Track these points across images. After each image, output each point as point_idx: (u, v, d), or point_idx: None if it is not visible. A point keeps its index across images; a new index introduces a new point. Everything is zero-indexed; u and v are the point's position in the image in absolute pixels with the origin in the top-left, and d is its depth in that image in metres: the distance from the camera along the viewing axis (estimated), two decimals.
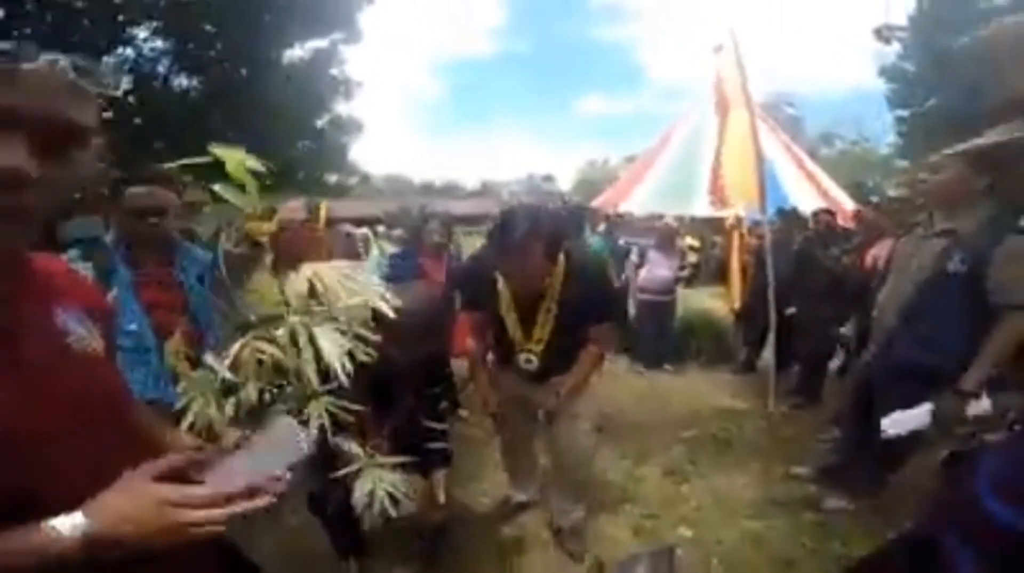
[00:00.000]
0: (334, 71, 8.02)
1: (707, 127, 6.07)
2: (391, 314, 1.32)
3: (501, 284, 2.15)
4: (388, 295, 1.35)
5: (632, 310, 5.88)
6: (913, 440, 2.13)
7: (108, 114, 0.77)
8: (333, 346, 1.23)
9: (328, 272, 1.31)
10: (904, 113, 10.57)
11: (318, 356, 1.22)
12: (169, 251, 2.10)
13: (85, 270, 1.81)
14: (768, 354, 4.73)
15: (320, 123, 8.11)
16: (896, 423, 2.13)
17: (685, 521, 2.67)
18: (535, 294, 2.10)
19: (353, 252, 4.83)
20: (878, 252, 3.68)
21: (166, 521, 0.71)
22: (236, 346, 1.26)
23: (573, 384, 2.20)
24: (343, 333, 1.27)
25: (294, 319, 1.25)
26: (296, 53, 7.72)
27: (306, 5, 6.86)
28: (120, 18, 6.43)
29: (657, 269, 5.61)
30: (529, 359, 2.22)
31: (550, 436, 2.42)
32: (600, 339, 2.23)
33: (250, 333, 1.27)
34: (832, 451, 2.98)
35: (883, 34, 9.82)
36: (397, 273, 3.69)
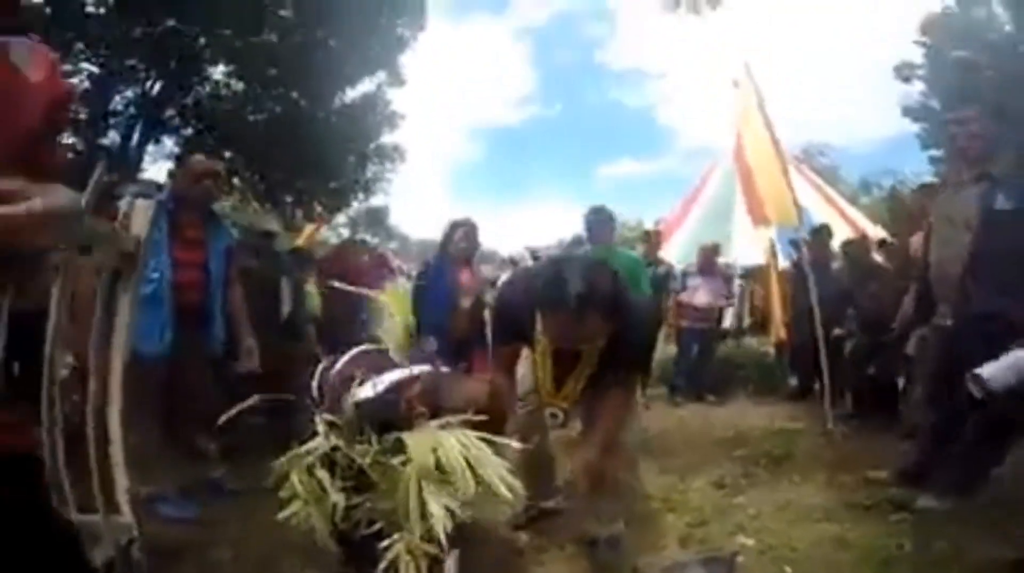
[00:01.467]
0: (380, 107, 8.53)
1: (735, 173, 5.79)
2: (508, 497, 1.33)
3: (540, 329, 1.77)
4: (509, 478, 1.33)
5: (668, 337, 5.45)
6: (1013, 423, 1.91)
7: None
8: (439, 509, 1.26)
9: (454, 448, 1.35)
10: (937, 153, 10.16)
11: (423, 512, 1.26)
12: (207, 216, 2.41)
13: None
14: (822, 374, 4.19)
15: (367, 150, 8.56)
16: (999, 373, 1.69)
17: (743, 530, 2.14)
18: (575, 350, 1.76)
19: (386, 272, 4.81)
20: (917, 239, 3.31)
21: None
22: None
23: (603, 441, 1.82)
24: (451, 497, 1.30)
25: (410, 473, 1.32)
26: (348, 94, 8.28)
27: (355, 47, 7.35)
28: (204, 57, 7.09)
29: (699, 294, 5.16)
30: (555, 414, 1.92)
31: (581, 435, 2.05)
32: (627, 386, 1.94)
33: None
34: (914, 452, 2.46)
35: (903, 73, 9.60)
36: (428, 284, 3.47)
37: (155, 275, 2.10)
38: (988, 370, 1.68)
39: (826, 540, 1.98)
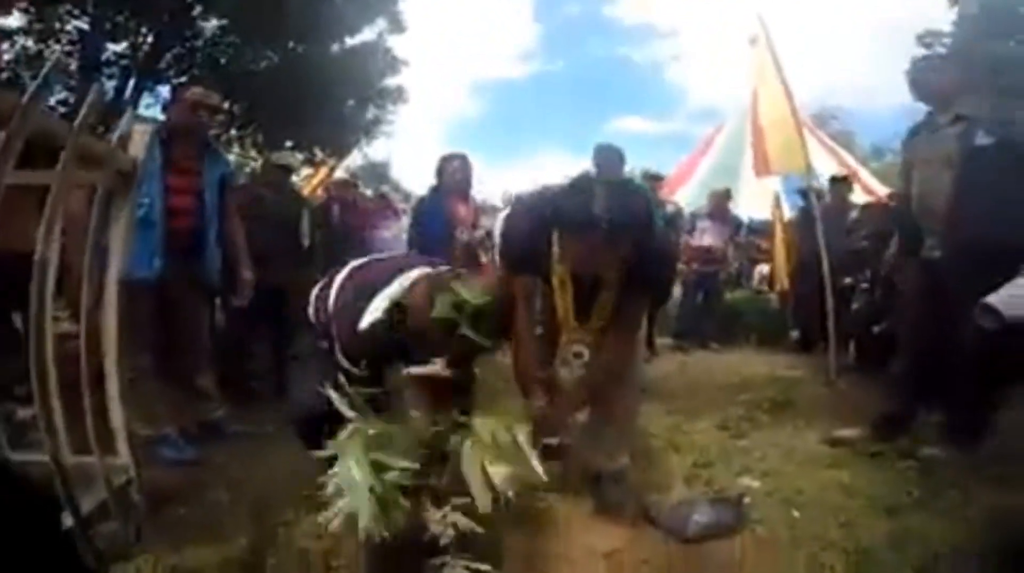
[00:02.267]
0: (380, 54, 8.23)
1: (745, 130, 5.57)
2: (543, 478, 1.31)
3: (557, 255, 1.65)
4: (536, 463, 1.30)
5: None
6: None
7: None
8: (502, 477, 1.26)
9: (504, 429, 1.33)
10: None
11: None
12: (202, 146, 2.34)
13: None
14: (827, 325, 4.11)
15: (368, 94, 8.32)
16: (1012, 301, 1.59)
17: (749, 472, 2.12)
18: (595, 276, 1.63)
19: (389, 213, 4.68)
20: None
21: None
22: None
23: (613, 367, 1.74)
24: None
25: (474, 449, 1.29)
26: (348, 42, 7.97)
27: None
28: (194, 12, 6.78)
29: (707, 237, 5.03)
30: (579, 353, 1.73)
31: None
32: (638, 312, 1.81)
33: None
34: (899, 394, 2.37)
35: (925, 41, 9.16)
36: (423, 218, 3.42)
37: (146, 200, 2.02)
38: (998, 299, 1.60)
39: (832, 486, 1.95)
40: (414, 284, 1.51)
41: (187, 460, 2.12)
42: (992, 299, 1.62)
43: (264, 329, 3.18)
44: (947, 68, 2.28)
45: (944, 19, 9.36)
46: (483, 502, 1.24)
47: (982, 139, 2.04)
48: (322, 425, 1.38)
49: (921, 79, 2.27)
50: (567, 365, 1.76)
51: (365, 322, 1.49)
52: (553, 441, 2.22)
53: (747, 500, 1.83)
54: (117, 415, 1.54)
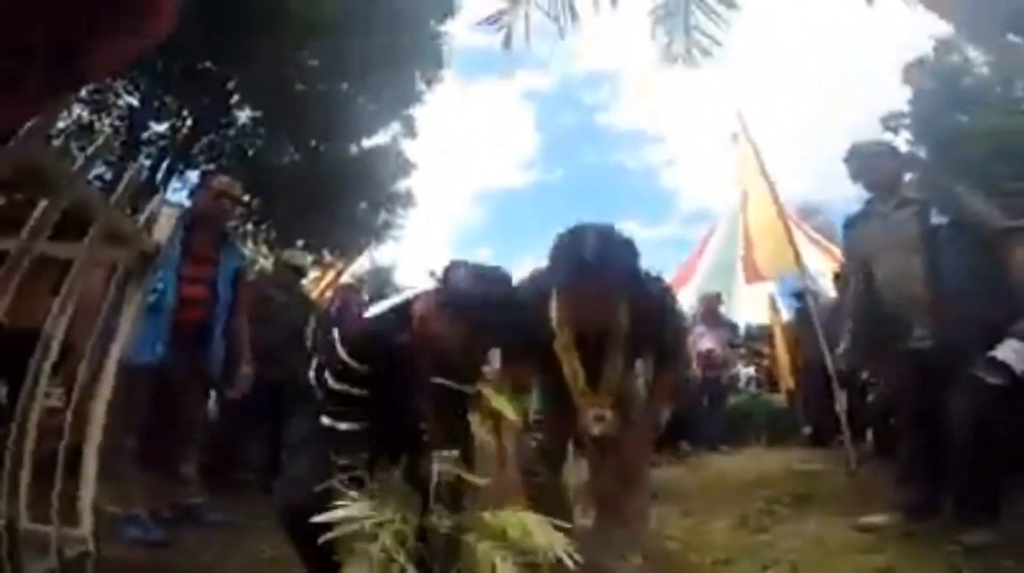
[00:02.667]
0: (393, 157, 8.71)
1: (739, 230, 5.88)
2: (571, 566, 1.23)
3: (555, 321, 1.63)
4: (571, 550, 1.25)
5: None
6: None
7: None
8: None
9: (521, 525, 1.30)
10: None
11: None
12: (220, 236, 2.40)
13: None
14: (840, 410, 3.96)
15: (380, 197, 8.67)
16: (1015, 354, 1.56)
17: (776, 564, 1.93)
18: (599, 332, 1.61)
19: None
20: None
21: None
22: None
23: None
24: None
25: (485, 546, 1.23)
26: (364, 143, 8.47)
27: (374, 97, 7.58)
28: (232, 101, 7.29)
29: (703, 342, 4.97)
30: (600, 416, 1.66)
31: (597, 464, 1.86)
32: (665, 388, 1.79)
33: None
34: (916, 486, 2.20)
35: (889, 124, 9.37)
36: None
37: (160, 286, 2.05)
38: (1003, 353, 1.56)
39: (871, 570, 1.77)
40: (419, 296, 1.48)
41: (153, 541, 1.97)
42: (1000, 354, 1.60)
43: (258, 423, 3.05)
44: (889, 154, 2.32)
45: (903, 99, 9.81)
46: None
47: (936, 218, 2.07)
48: (309, 514, 1.24)
49: (865, 166, 2.29)
50: (589, 430, 1.68)
51: (373, 311, 1.47)
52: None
53: None
54: (88, 491, 1.45)
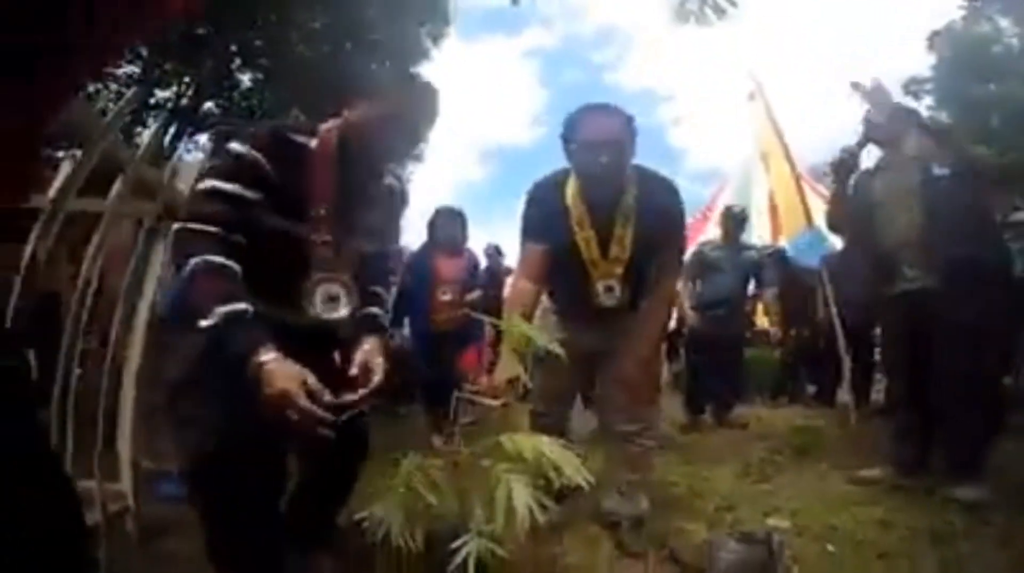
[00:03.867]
0: None
1: (756, 174, 5.84)
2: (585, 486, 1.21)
3: (571, 198, 1.73)
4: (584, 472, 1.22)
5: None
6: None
7: None
8: (523, 498, 1.16)
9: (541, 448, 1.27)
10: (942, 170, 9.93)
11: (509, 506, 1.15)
12: None
13: None
14: (845, 370, 3.96)
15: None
16: None
17: (777, 512, 1.97)
18: (610, 204, 1.69)
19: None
20: None
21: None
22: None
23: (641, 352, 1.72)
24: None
25: (501, 468, 1.20)
26: None
27: (378, 55, 7.43)
28: (234, 65, 7.24)
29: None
30: (610, 287, 1.73)
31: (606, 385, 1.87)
32: (668, 277, 1.81)
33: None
34: (910, 438, 2.22)
35: (911, 88, 9.41)
36: (411, 274, 3.26)
37: None
38: None
39: (867, 521, 1.80)
40: None
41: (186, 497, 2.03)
42: None
43: None
44: (898, 114, 2.34)
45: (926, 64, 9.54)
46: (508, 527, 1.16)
47: (938, 170, 2.12)
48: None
49: (875, 124, 2.33)
50: (594, 306, 1.76)
51: None
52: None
53: (777, 539, 1.70)
54: (125, 445, 1.49)
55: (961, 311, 1.94)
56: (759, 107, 4.63)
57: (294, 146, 1.21)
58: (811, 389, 4.83)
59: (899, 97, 2.44)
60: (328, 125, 1.27)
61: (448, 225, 3.18)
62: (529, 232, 1.78)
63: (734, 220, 3.83)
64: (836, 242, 4.96)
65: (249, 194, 1.13)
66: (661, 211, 1.71)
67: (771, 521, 1.90)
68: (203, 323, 1.00)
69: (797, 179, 4.14)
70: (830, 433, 3.28)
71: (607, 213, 1.70)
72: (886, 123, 2.29)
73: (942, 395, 2.04)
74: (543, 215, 1.74)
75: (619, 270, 1.73)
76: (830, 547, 1.64)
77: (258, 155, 1.14)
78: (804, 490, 2.20)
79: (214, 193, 1.12)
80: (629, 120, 1.66)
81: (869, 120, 2.34)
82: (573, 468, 1.14)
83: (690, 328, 3.95)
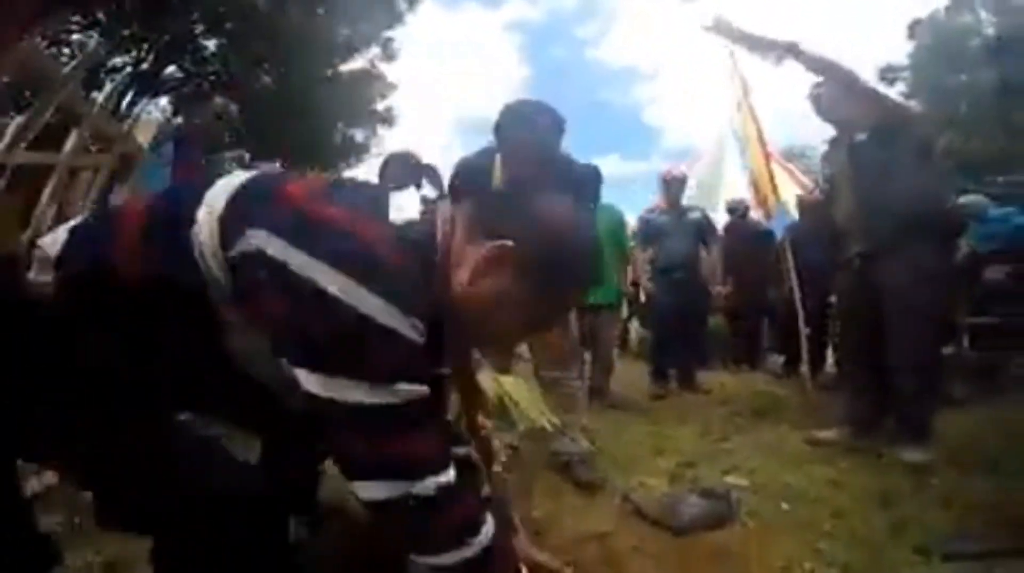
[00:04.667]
0: (371, 80, 8.35)
1: (728, 152, 5.94)
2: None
3: (497, 181, 1.74)
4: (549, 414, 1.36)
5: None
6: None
7: None
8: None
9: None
10: None
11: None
12: (206, 154, 2.42)
13: None
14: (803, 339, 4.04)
15: (359, 116, 8.42)
16: None
17: (736, 470, 2.02)
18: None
19: None
20: None
21: None
22: None
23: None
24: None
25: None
26: (341, 68, 8.10)
27: (350, 19, 7.22)
28: (195, 31, 6.89)
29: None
30: None
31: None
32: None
33: None
34: (862, 400, 2.29)
35: (886, 76, 9.58)
36: None
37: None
38: None
39: (821, 481, 1.84)
40: None
41: None
42: None
43: None
44: (845, 97, 2.29)
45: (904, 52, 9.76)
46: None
47: (860, 137, 2.18)
48: None
49: (824, 107, 2.35)
50: None
51: None
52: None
53: (735, 495, 1.72)
54: None
55: (900, 278, 2.01)
56: (736, 88, 4.60)
57: None
58: (779, 359, 4.92)
59: (875, 85, 2.41)
60: None
61: (391, 172, 2.81)
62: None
63: (673, 184, 3.82)
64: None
65: None
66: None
67: (729, 479, 1.92)
68: None
69: (767, 157, 4.17)
70: (789, 399, 3.35)
71: None
72: (832, 101, 2.29)
73: (889, 361, 2.11)
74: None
75: None
76: (784, 505, 1.67)
77: None
78: (762, 450, 2.24)
79: None
80: (557, 121, 1.73)
81: (814, 96, 2.35)
82: (537, 411, 1.12)
83: (649, 296, 4.01)
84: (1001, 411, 2.57)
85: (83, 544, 1.30)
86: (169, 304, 0.71)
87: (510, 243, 0.71)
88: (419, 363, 0.67)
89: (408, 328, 0.64)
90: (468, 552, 0.70)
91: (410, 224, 0.71)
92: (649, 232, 3.87)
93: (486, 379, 1.21)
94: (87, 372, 0.71)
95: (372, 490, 0.67)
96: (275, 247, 0.64)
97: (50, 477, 1.49)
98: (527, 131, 1.67)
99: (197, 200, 0.73)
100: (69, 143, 1.34)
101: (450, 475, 0.70)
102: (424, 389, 0.67)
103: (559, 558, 1.19)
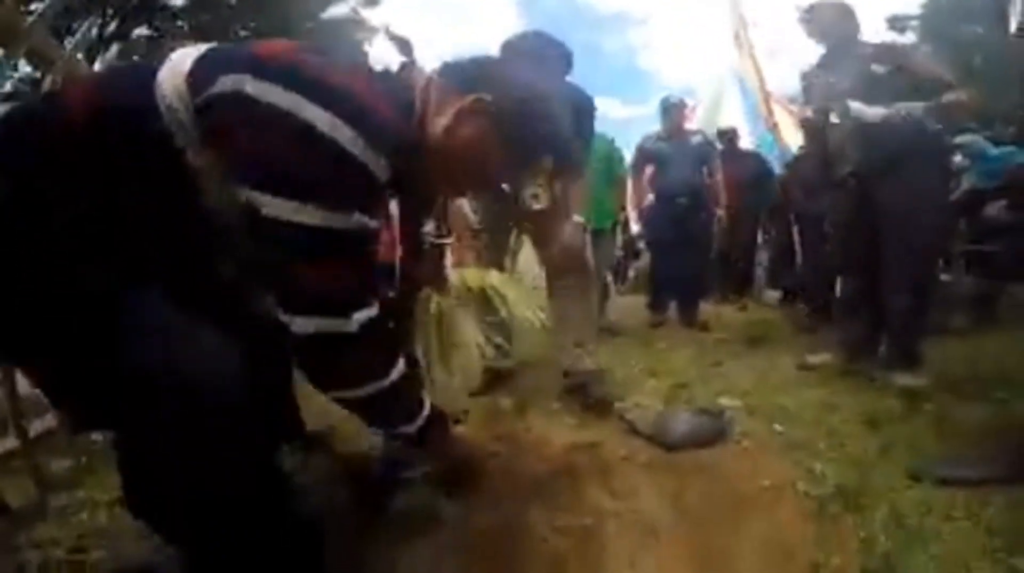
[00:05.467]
0: (354, 27, 7.82)
1: (728, 95, 5.76)
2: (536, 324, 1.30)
3: None
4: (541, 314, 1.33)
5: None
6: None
7: None
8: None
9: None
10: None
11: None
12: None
13: None
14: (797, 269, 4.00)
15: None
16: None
17: (728, 392, 2.00)
18: None
19: None
20: None
21: None
22: None
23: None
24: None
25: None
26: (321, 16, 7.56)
27: None
28: None
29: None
30: (535, 194, 1.63)
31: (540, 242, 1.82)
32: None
33: None
34: (856, 324, 2.24)
35: (896, 25, 9.24)
36: None
37: None
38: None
39: (815, 403, 1.82)
40: None
41: None
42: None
43: None
44: (844, 13, 2.21)
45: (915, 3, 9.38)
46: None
47: (878, 69, 2.04)
48: None
49: (811, 24, 2.25)
50: (529, 208, 1.67)
51: None
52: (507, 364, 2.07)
53: (728, 414, 1.70)
54: None
55: (896, 197, 1.95)
56: (736, 19, 4.37)
57: None
58: (775, 293, 4.88)
59: (883, 33, 2.28)
60: None
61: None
62: None
63: (672, 109, 3.57)
64: None
65: None
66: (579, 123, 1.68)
67: (723, 400, 1.89)
68: None
69: (767, 99, 4.04)
70: (784, 329, 3.32)
71: None
72: (835, 23, 2.19)
73: (883, 280, 2.06)
74: None
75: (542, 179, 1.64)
76: (778, 427, 1.64)
77: None
78: (755, 374, 2.22)
79: None
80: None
81: (803, 17, 2.25)
82: (526, 307, 1.09)
83: (649, 222, 3.85)
84: (998, 340, 2.53)
85: (92, 483, 1.29)
86: (131, 159, 0.67)
87: (488, 96, 0.75)
88: (378, 200, 0.72)
89: (374, 163, 0.66)
90: (372, 388, 0.75)
91: (388, 73, 0.75)
92: (644, 159, 3.68)
93: (473, 273, 1.17)
94: (43, 246, 0.65)
95: (304, 325, 0.69)
96: (252, 86, 0.65)
97: (51, 420, 1.46)
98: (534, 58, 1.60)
99: (154, 68, 0.71)
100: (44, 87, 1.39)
101: (372, 312, 0.73)
102: (376, 225, 0.71)
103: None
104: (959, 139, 3.46)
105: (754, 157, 4.98)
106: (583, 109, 1.71)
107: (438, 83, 0.79)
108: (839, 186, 2.20)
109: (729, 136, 4.75)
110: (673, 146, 3.56)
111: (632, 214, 4.02)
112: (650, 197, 3.70)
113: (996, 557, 0.95)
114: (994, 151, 3.58)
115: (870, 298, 2.16)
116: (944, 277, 3.28)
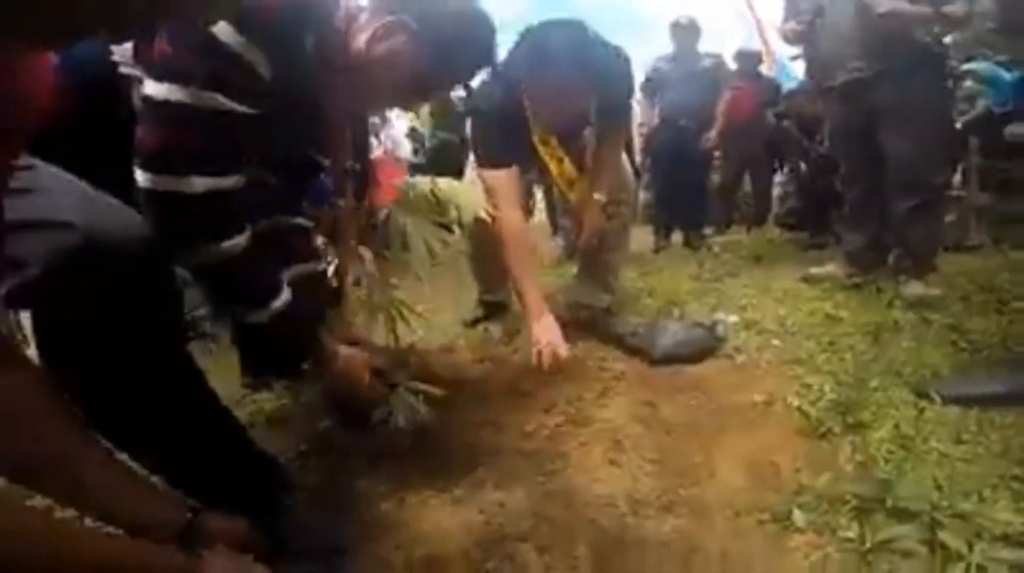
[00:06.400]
0: None
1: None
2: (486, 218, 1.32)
3: (532, 118, 1.47)
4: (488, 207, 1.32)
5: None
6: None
7: None
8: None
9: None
10: None
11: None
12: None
13: None
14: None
15: None
16: None
17: (724, 307, 1.86)
18: (570, 122, 1.53)
19: None
20: None
21: None
22: None
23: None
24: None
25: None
26: None
27: None
28: None
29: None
30: (571, 181, 1.58)
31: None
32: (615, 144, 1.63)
33: None
34: (860, 231, 2.09)
35: None
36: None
37: None
38: None
39: (816, 315, 1.67)
40: None
41: None
42: None
43: None
44: None
45: None
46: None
47: None
48: None
49: None
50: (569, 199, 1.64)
51: None
52: (499, 297, 1.93)
53: (721, 327, 1.56)
54: None
55: (901, 95, 1.79)
56: None
57: None
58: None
59: None
60: None
61: None
62: (486, 156, 1.50)
63: (680, 30, 3.29)
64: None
65: None
66: (620, 99, 1.58)
67: (719, 315, 1.75)
68: None
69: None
70: (791, 248, 3.12)
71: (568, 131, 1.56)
72: None
73: (888, 183, 1.90)
74: (502, 134, 1.47)
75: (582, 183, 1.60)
76: (776, 341, 1.51)
77: None
78: (755, 288, 2.06)
79: None
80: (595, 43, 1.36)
81: None
82: (471, 201, 1.04)
83: (654, 144, 3.58)
84: (1016, 256, 2.33)
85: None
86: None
87: (409, 19, 0.79)
88: (252, 93, 0.72)
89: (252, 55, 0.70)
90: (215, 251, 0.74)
91: None
92: (656, 80, 3.39)
93: (422, 180, 1.11)
94: None
95: (143, 179, 0.70)
96: None
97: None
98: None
99: None
100: None
101: (223, 182, 0.73)
102: (244, 111, 0.71)
103: None
104: (970, 65, 3.17)
105: (773, 81, 4.50)
106: (616, 73, 1.48)
107: (372, 6, 0.82)
108: (837, 94, 1.99)
109: (753, 59, 4.25)
110: (679, 68, 3.30)
111: (637, 141, 3.66)
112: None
113: (1010, 485, 0.82)
114: (1009, 76, 3.21)
115: (877, 207, 1.99)
116: (960, 192, 3.03)
